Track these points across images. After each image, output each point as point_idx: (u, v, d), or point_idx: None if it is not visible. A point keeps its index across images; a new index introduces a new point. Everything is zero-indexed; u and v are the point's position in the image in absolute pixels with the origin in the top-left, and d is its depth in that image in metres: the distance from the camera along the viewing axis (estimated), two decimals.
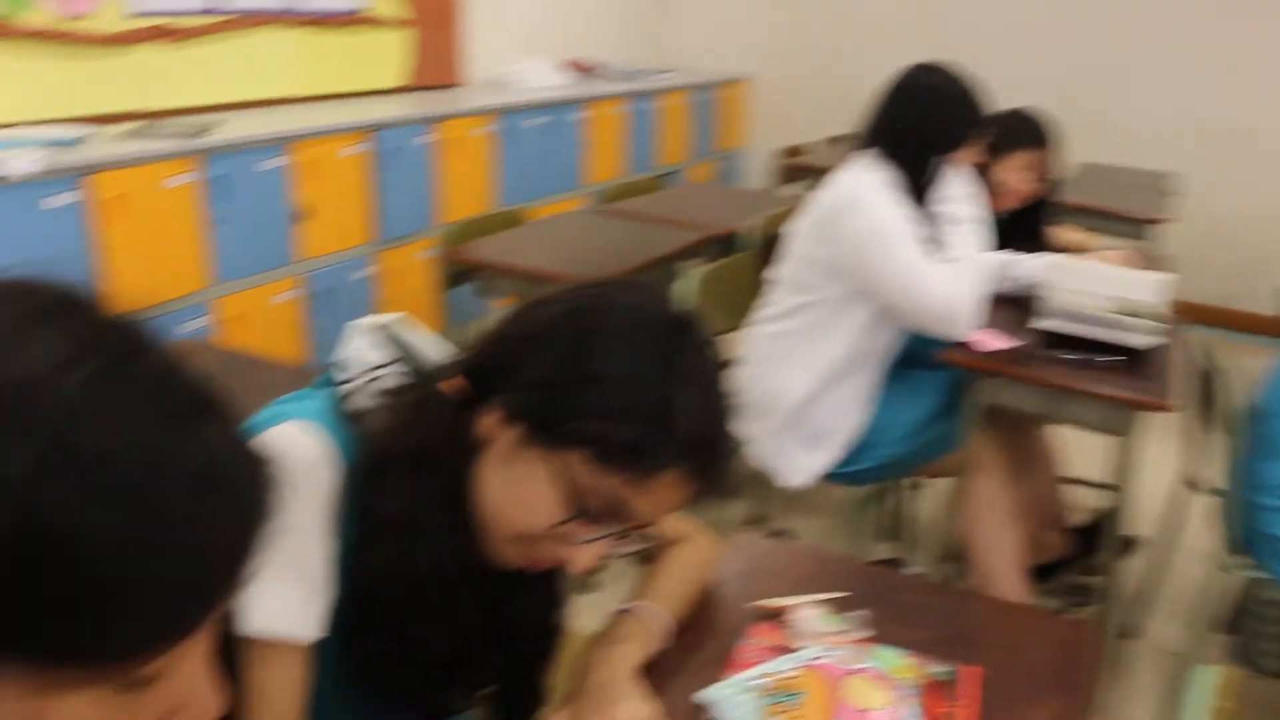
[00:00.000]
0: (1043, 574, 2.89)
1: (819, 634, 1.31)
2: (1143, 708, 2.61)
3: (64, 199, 3.10)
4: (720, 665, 1.29)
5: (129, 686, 0.56)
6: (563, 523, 1.05)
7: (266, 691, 1.04)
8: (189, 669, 0.59)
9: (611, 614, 1.32)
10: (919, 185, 2.49)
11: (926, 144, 2.50)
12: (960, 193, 2.52)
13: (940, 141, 2.51)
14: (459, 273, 3.32)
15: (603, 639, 1.26)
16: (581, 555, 1.09)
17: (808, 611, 1.35)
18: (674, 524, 1.41)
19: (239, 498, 0.58)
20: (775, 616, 1.37)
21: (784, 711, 1.16)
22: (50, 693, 0.54)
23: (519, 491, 1.06)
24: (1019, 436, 2.68)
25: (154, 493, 0.53)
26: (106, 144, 3.40)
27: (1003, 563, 2.59)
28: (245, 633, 1.04)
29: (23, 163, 2.95)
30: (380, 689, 1.16)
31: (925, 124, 2.50)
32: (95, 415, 0.52)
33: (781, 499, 3.50)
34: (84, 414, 0.52)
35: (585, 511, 1.05)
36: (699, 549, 1.43)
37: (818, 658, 1.24)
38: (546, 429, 1.04)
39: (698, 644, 1.34)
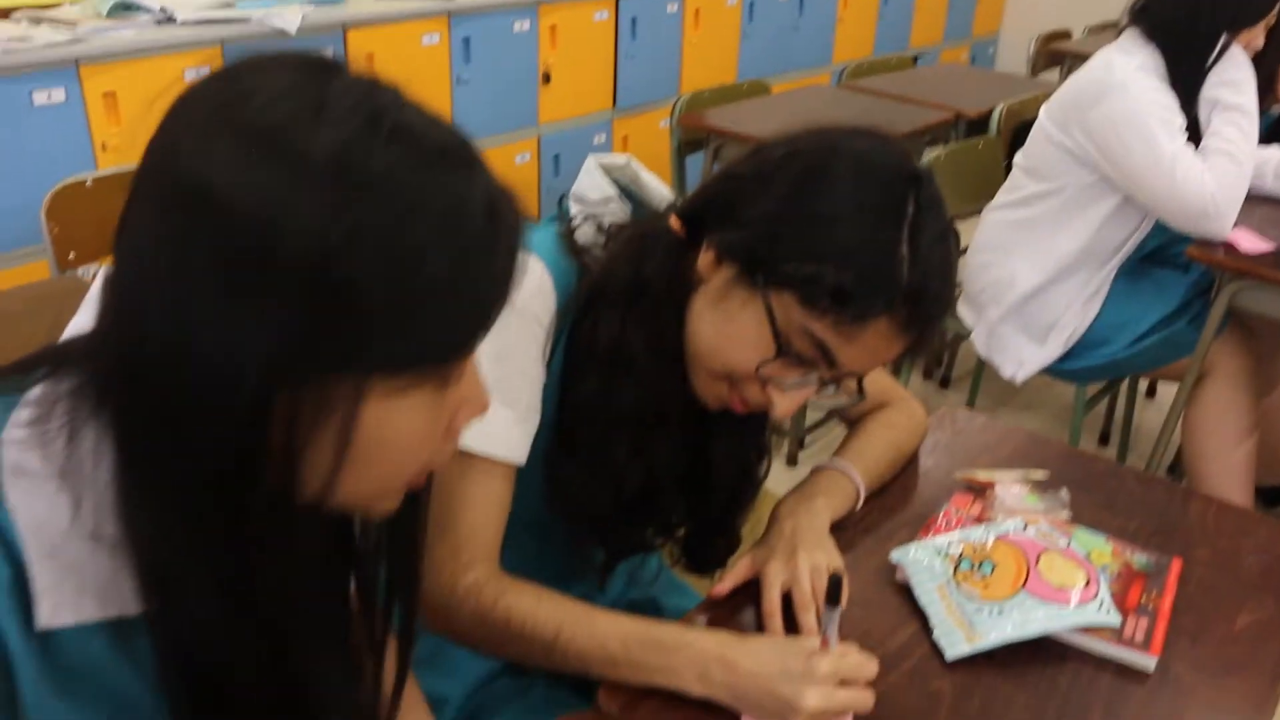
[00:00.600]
0: (1275, 497, 2.75)
1: (1020, 509, 1.31)
2: None
3: (328, 53, 3.26)
4: (916, 529, 1.30)
5: (443, 383, 0.68)
6: (768, 362, 1.06)
7: (469, 504, 1.09)
8: (469, 372, 0.72)
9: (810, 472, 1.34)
10: (1194, 68, 2.33)
11: (1214, 20, 2.32)
12: (1235, 77, 2.34)
13: (1233, 16, 2.33)
14: (695, 140, 3.32)
15: (796, 494, 1.28)
16: (785, 400, 1.09)
17: (1011, 486, 1.34)
18: (883, 387, 1.41)
19: (500, 227, 0.66)
20: (978, 488, 1.37)
21: (974, 579, 1.17)
22: (389, 397, 0.65)
23: (728, 329, 1.08)
24: (1264, 346, 2.52)
25: (460, 224, 0.63)
26: (365, 3, 3.55)
27: (1227, 476, 2.46)
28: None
29: (289, 19, 3.14)
30: (573, 518, 1.20)
31: None
32: (368, 158, 0.61)
33: (997, 394, 3.43)
34: (358, 159, 0.60)
35: (791, 353, 1.05)
36: (906, 415, 1.42)
37: (1015, 531, 1.23)
38: (759, 268, 1.04)
39: (897, 507, 1.36)
